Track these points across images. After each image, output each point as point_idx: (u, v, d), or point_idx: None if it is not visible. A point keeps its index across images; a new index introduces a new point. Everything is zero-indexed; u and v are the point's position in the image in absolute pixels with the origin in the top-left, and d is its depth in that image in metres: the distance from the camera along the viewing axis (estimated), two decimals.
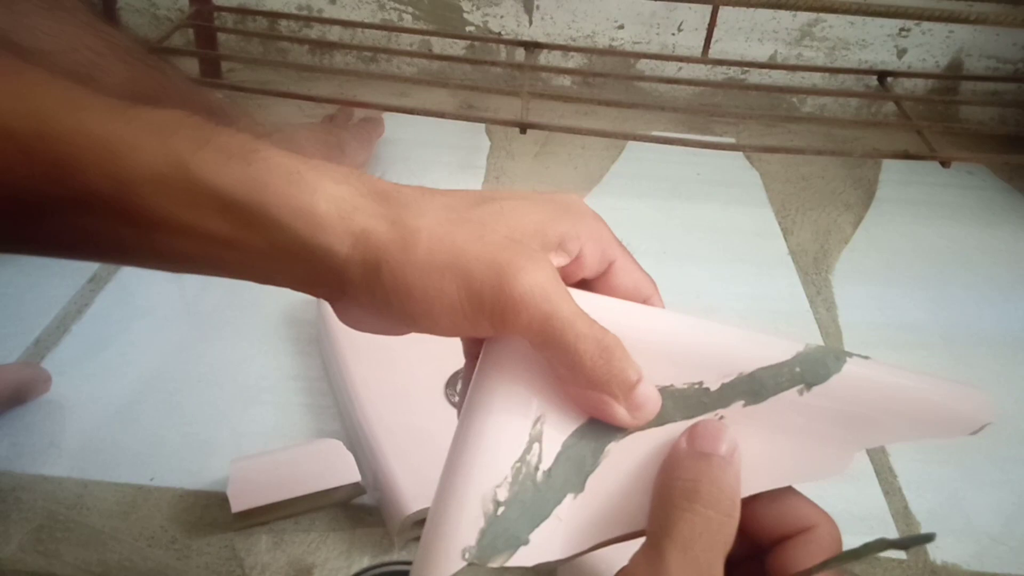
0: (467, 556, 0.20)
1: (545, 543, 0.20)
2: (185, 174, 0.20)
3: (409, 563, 0.35)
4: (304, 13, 0.79)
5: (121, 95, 0.43)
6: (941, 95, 0.81)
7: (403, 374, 0.43)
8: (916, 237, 0.64)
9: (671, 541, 0.19)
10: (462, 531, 0.20)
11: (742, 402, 0.22)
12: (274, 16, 0.78)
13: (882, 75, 0.72)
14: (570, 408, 0.22)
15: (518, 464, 0.21)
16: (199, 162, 0.20)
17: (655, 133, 0.60)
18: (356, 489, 0.39)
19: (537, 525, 0.21)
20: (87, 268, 0.53)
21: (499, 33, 0.79)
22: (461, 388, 0.25)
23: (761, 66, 0.77)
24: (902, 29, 0.77)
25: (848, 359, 0.22)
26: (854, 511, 0.41)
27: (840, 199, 0.68)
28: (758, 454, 0.21)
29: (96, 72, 0.41)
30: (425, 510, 0.36)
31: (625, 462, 0.22)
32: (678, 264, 0.59)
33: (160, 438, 0.42)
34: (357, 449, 0.40)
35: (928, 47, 0.78)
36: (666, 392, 0.22)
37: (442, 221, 0.21)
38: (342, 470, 0.38)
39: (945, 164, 0.59)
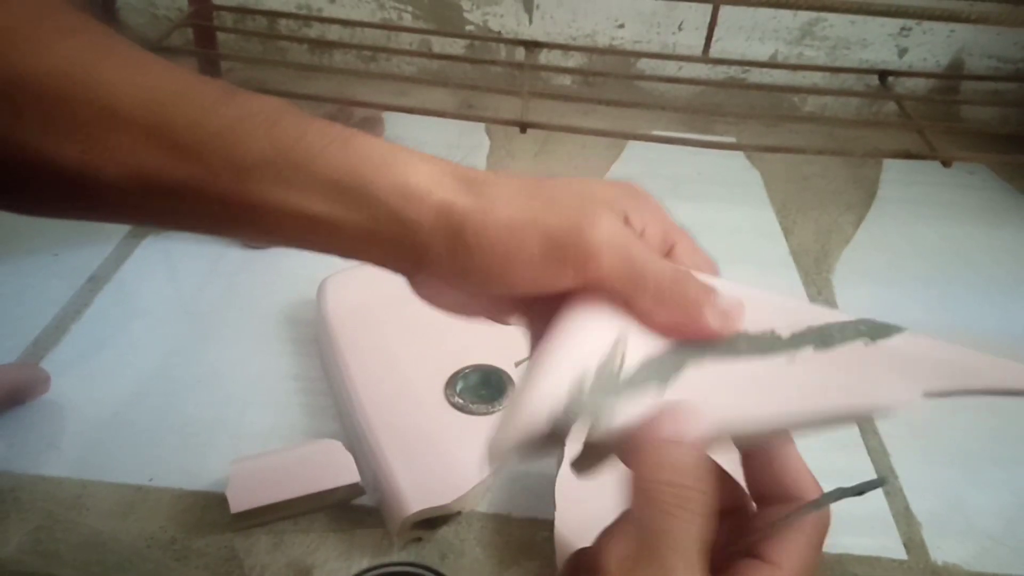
0: (552, 423, 0.21)
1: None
2: (290, 160, 0.22)
3: (409, 564, 0.35)
4: (303, 12, 0.79)
5: None
6: (942, 94, 0.81)
7: (403, 374, 0.43)
8: (917, 237, 0.64)
9: (671, 550, 0.20)
10: (549, 402, 0.21)
11: (812, 347, 0.23)
12: (273, 15, 0.78)
13: (883, 74, 0.72)
14: (650, 341, 0.23)
15: (602, 364, 0.22)
16: (302, 149, 0.22)
17: (655, 132, 0.60)
18: (355, 490, 0.39)
19: (614, 420, 0.22)
20: (86, 268, 0.53)
21: (499, 32, 0.79)
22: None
23: (762, 65, 0.77)
24: (903, 28, 0.77)
25: (905, 330, 0.24)
26: (856, 512, 0.41)
27: (841, 199, 0.68)
28: (828, 387, 0.23)
29: None
30: (425, 511, 0.36)
31: (701, 383, 0.23)
32: None
33: (159, 438, 0.42)
34: (356, 449, 0.40)
35: (929, 46, 0.78)
36: (740, 337, 0.23)
37: (518, 192, 0.23)
38: (341, 471, 0.38)
39: (946, 164, 0.58)
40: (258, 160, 0.22)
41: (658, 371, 0.23)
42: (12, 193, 0.23)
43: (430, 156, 0.23)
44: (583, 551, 0.23)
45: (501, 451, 0.22)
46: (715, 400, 0.22)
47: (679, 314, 0.23)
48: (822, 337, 0.23)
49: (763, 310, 0.24)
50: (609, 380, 0.22)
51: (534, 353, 0.24)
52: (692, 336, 0.23)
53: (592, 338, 0.23)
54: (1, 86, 0.21)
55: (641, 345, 0.23)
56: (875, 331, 0.23)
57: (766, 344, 0.23)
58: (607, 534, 0.22)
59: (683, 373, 0.23)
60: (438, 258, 0.23)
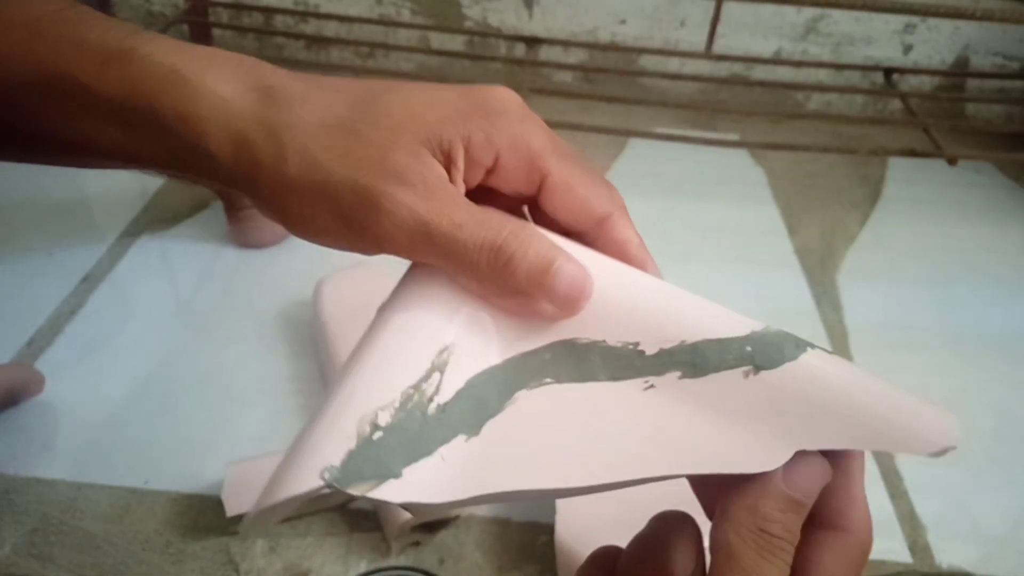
0: (326, 476, 0.17)
1: (420, 481, 0.18)
2: (67, 83, 0.19)
3: (407, 568, 0.34)
4: (300, 8, 0.78)
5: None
6: (947, 92, 0.80)
7: None
8: (923, 236, 0.64)
9: None
10: (328, 449, 0.18)
11: (678, 373, 0.19)
12: (269, 11, 0.77)
13: (888, 72, 0.72)
14: (488, 344, 0.19)
15: (411, 390, 0.19)
16: (79, 68, 0.19)
17: (658, 130, 0.60)
18: None
19: (415, 460, 0.18)
20: (80, 268, 0.53)
21: (498, 28, 0.78)
22: None
23: (766, 62, 0.76)
24: (908, 25, 0.76)
25: (808, 350, 0.19)
26: None
27: (846, 197, 0.68)
28: (685, 432, 0.19)
29: None
30: (423, 514, 0.36)
31: (534, 413, 0.19)
32: (682, 263, 0.58)
33: (155, 441, 0.41)
34: None
35: (934, 43, 0.77)
36: (594, 348, 0.19)
37: (315, 132, 0.19)
38: None
39: (952, 162, 0.58)
40: (28, 82, 0.19)
41: (479, 401, 0.19)
42: None
43: (231, 64, 0.20)
44: (610, 553, 0.20)
45: (262, 521, 0.18)
46: (534, 448, 0.18)
47: (506, 295, 0.19)
48: (694, 360, 0.19)
49: (632, 314, 0.19)
50: (413, 415, 0.18)
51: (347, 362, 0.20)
52: (528, 318, 0.19)
53: (405, 353, 0.19)
54: None
55: (476, 353, 0.19)
56: (763, 355, 0.19)
57: (623, 362, 0.19)
58: (653, 545, 0.19)
59: (510, 405, 0.19)
60: (247, 197, 0.20)
